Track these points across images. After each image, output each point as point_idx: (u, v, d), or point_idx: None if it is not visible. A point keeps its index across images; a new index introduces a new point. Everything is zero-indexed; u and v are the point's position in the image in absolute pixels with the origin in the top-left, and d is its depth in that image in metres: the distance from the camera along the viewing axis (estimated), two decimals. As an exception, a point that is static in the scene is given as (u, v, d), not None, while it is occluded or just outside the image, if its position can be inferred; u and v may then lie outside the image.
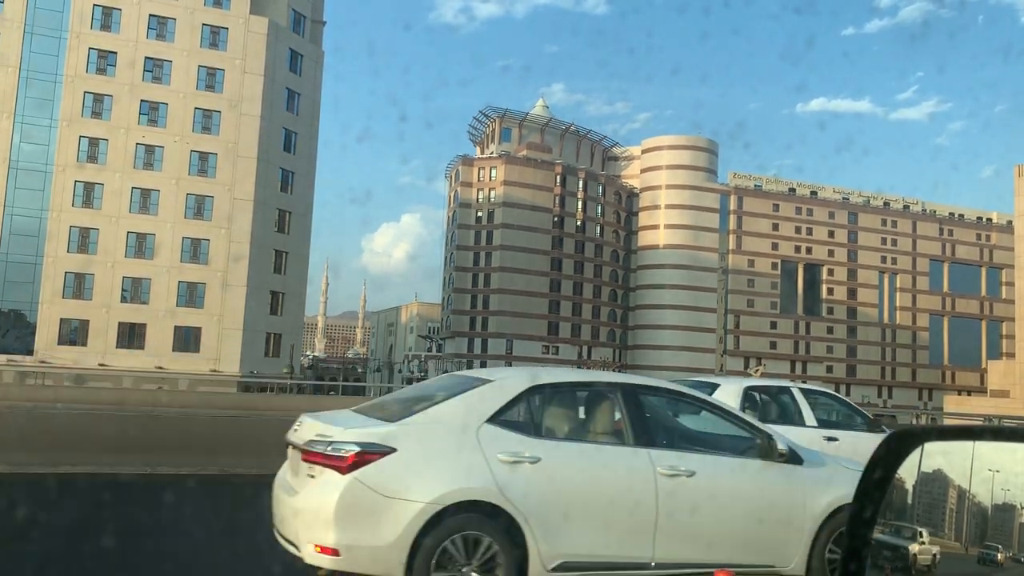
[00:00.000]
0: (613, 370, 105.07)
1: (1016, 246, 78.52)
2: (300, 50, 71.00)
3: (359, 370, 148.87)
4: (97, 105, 63.38)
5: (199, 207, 64.79)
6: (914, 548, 2.10)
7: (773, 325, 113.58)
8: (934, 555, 2.07)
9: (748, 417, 7.21)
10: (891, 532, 2.16)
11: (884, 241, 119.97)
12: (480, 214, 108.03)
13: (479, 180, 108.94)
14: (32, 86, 62.57)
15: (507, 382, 6.30)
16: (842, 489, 6.38)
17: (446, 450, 5.70)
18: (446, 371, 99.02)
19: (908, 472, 2.18)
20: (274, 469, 6.49)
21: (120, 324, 62.30)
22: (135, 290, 63.21)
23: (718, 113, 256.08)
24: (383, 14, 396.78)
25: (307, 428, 5.92)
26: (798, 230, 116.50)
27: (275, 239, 67.53)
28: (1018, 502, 1.94)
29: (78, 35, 63.01)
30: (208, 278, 64.08)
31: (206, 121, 65.46)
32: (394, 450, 5.49)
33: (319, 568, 5.53)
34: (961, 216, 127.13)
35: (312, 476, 5.56)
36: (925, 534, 2.10)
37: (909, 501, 2.18)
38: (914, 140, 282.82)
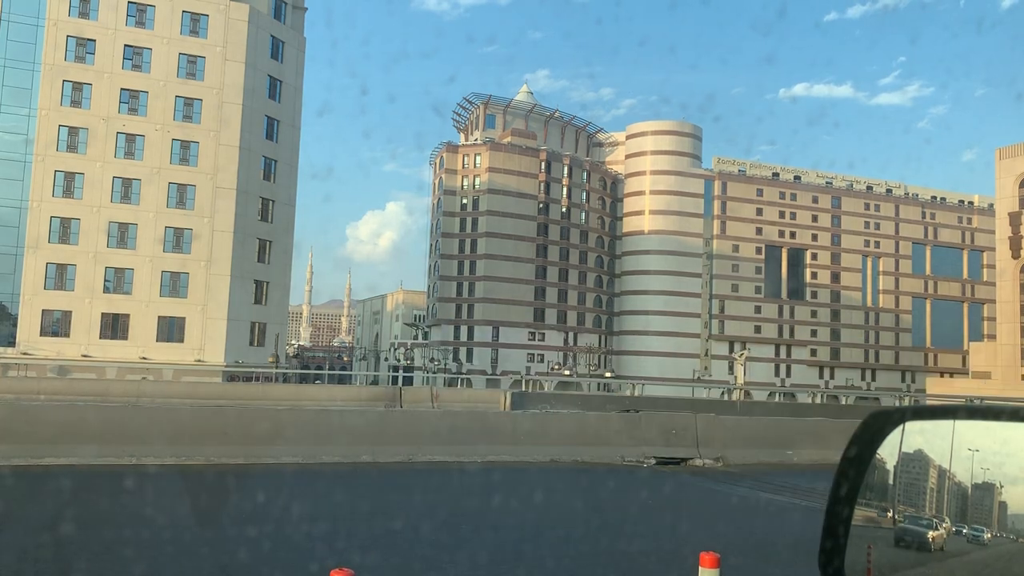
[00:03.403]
0: (599, 356, 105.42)
1: (997, 228, 79.08)
2: (281, 37, 70.40)
3: (345, 358, 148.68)
4: (76, 94, 62.67)
5: (181, 196, 64.32)
6: (895, 527, 2.12)
7: (758, 309, 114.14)
8: (916, 533, 2.09)
9: None
10: (872, 511, 2.18)
11: (867, 225, 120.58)
12: (465, 201, 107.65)
13: (464, 167, 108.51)
14: (9, 74, 61.78)
15: None
16: None
17: None
18: (432, 359, 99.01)
19: (889, 452, 2.19)
20: (261, 459, 6.47)
21: (103, 315, 61.88)
22: (118, 280, 62.76)
23: (701, 99, 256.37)
24: (365, 1, 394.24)
25: None
26: (782, 215, 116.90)
27: (258, 228, 67.17)
28: (996, 480, 1.96)
29: (56, 23, 62.22)
30: (191, 267, 63.72)
31: (187, 110, 64.91)
32: None
33: None
34: (943, 199, 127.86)
35: None
36: (907, 513, 2.12)
37: (890, 481, 2.19)
38: (896, 124, 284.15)
